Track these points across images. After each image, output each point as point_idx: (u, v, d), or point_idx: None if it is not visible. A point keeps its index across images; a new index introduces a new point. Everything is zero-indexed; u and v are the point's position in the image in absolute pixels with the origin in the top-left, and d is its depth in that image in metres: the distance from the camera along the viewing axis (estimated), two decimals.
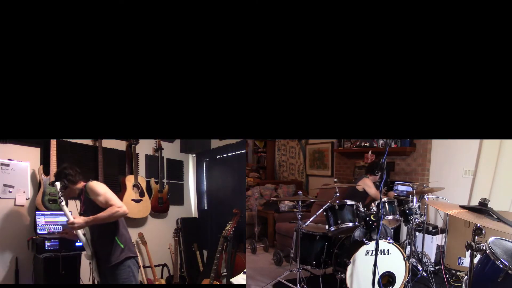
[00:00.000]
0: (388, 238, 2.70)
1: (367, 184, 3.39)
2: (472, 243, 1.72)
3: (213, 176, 4.32)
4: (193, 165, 4.69)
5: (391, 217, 2.95)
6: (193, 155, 4.67)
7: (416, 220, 3.09)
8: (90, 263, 2.31)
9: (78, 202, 2.39)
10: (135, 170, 3.75)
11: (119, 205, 2.11)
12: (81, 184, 2.27)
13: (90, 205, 2.18)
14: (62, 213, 3.01)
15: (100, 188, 2.18)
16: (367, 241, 2.62)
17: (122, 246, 2.20)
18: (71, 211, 2.23)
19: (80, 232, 2.20)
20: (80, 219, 2.11)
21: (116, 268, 2.18)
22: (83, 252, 2.31)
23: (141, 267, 3.54)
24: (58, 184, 2.20)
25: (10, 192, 2.92)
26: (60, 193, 2.17)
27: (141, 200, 3.70)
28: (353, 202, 2.94)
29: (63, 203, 2.16)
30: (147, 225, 3.99)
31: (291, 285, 2.98)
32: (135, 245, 3.23)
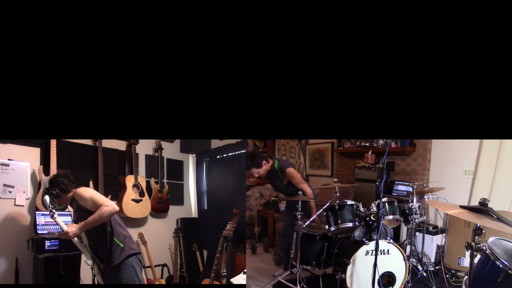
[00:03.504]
0: (388, 238, 2.70)
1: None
2: (472, 243, 1.72)
3: (213, 176, 4.32)
4: (193, 165, 4.69)
5: (391, 217, 2.95)
6: (193, 155, 4.67)
7: (416, 220, 3.09)
8: (92, 268, 2.31)
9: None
10: (135, 170, 3.75)
11: (107, 204, 2.11)
12: (71, 193, 2.27)
13: (82, 211, 2.19)
14: (62, 213, 3.04)
15: (87, 193, 2.19)
16: (367, 241, 2.62)
17: (122, 245, 2.20)
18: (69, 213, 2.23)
19: (76, 240, 2.20)
20: (74, 227, 2.12)
21: (119, 269, 2.18)
22: (84, 259, 2.31)
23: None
24: (47, 197, 2.20)
25: (10, 192, 2.92)
26: (51, 206, 2.17)
27: (141, 200, 3.70)
28: (353, 202, 2.94)
29: (56, 215, 2.17)
30: (147, 225, 3.99)
31: (291, 285, 2.98)
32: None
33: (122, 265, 2.18)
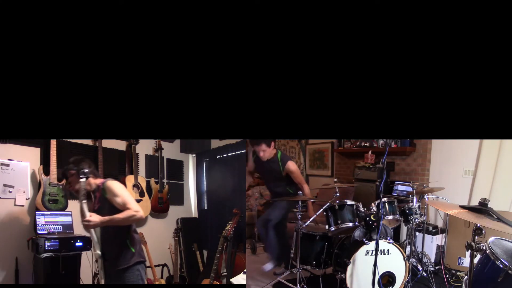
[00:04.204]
0: (388, 238, 2.70)
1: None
2: (472, 243, 1.72)
3: (213, 176, 4.32)
4: (193, 165, 4.69)
5: (391, 217, 2.95)
6: (193, 155, 4.67)
7: (416, 220, 3.09)
8: (96, 260, 2.29)
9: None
10: (135, 170, 3.75)
11: (136, 209, 2.04)
12: (99, 181, 2.22)
13: (106, 204, 2.12)
14: (62, 213, 3.05)
15: (118, 189, 2.12)
16: (367, 241, 2.62)
17: (133, 250, 2.17)
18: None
19: (92, 230, 2.15)
20: (97, 218, 2.03)
21: (125, 271, 2.15)
22: (92, 251, 2.28)
23: None
24: (83, 180, 2.12)
25: (10, 192, 2.92)
26: (84, 189, 2.10)
27: (141, 200, 3.71)
28: (353, 202, 2.94)
29: (85, 200, 2.09)
30: (147, 225, 3.99)
31: (291, 285, 2.98)
32: None
33: (130, 269, 2.16)
